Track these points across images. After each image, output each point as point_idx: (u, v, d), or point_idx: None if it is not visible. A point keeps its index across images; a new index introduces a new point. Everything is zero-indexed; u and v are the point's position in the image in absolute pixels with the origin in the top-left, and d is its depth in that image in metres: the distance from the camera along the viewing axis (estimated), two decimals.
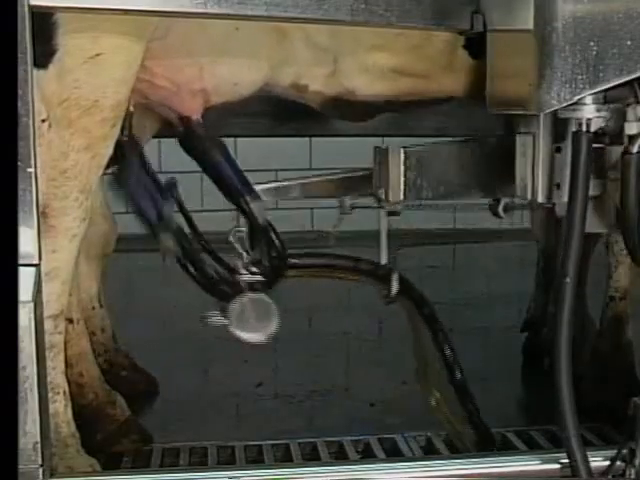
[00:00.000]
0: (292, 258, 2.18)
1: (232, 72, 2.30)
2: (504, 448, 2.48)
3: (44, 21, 1.81)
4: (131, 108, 2.15)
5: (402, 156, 1.84)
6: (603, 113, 1.75)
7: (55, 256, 2.02)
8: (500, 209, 2.03)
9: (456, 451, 2.49)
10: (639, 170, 1.81)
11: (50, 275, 1.97)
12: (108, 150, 2.08)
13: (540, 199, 1.82)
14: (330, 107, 2.53)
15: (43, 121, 1.93)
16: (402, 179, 1.86)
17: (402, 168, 1.85)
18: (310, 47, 2.27)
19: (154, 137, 2.83)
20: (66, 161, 2.02)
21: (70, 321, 2.45)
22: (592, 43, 1.68)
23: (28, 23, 1.63)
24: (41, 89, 1.90)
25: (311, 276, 2.23)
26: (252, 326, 2.06)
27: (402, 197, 1.87)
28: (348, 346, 3.57)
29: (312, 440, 2.51)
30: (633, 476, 1.88)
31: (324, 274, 2.23)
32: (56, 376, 2.11)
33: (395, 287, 2.11)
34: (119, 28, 1.97)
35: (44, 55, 1.84)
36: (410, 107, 2.45)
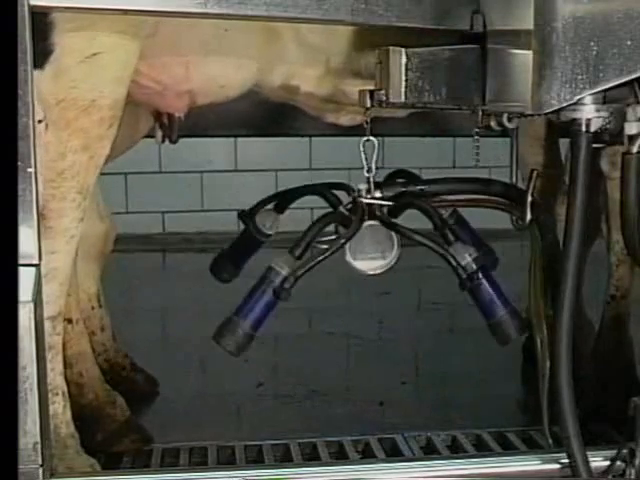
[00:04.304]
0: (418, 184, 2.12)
1: (219, 73, 2.29)
2: (504, 448, 2.48)
3: (40, 21, 1.81)
4: None
5: (404, 56, 1.81)
6: (603, 113, 1.75)
7: (53, 257, 2.02)
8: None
9: (456, 451, 2.50)
10: (639, 170, 1.81)
11: (48, 276, 1.97)
12: (105, 150, 2.07)
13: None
14: (322, 109, 2.52)
15: (40, 122, 1.93)
16: (403, 78, 1.82)
17: (403, 68, 1.82)
18: (302, 47, 2.26)
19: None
20: (63, 162, 2.01)
21: (69, 321, 2.45)
22: (592, 43, 1.68)
23: (28, 23, 1.63)
24: (37, 89, 1.90)
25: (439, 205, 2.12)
26: (370, 255, 2.02)
27: (403, 98, 1.84)
28: (348, 346, 3.57)
29: (312, 440, 2.51)
30: (633, 476, 1.88)
31: (454, 202, 2.16)
32: (55, 377, 2.11)
33: (529, 213, 1.95)
34: (115, 27, 1.96)
35: (40, 55, 1.84)
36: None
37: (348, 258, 2.00)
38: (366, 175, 2.06)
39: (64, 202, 2.03)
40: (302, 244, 1.99)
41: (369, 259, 2.03)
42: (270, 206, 2.44)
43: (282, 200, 2.44)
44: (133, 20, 1.96)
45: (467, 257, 2.02)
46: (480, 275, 2.01)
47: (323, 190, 2.25)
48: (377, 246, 2.02)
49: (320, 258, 1.96)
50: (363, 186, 2.06)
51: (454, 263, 2.01)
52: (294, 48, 2.26)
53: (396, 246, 2.02)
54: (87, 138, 2.02)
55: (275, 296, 1.96)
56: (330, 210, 2.16)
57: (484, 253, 2.17)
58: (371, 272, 2.04)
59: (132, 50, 2.04)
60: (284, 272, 1.96)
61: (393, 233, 2.03)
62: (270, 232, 2.41)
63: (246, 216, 2.45)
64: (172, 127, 2.55)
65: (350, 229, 1.99)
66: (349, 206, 2.09)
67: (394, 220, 2.07)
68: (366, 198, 2.05)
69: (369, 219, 2.03)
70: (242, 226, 2.53)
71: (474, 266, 2.01)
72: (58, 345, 2.14)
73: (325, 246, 2.01)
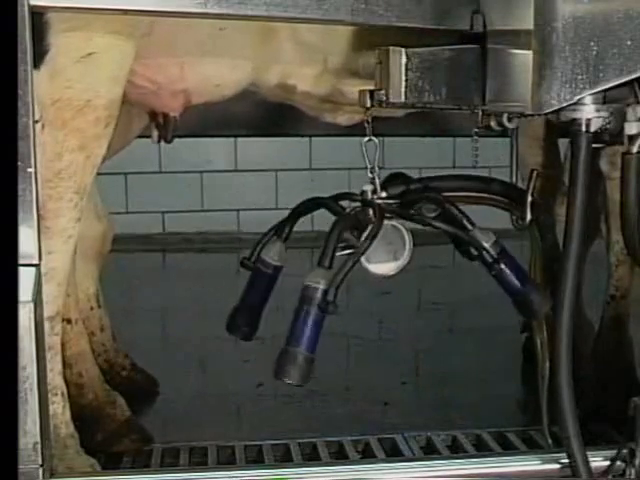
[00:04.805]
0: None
1: (214, 73, 2.29)
2: (504, 448, 2.48)
3: (35, 21, 1.80)
4: None
5: (404, 56, 1.81)
6: (603, 113, 1.75)
7: (51, 257, 2.02)
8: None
9: (456, 451, 2.50)
10: (639, 170, 1.81)
11: (46, 277, 1.96)
12: (102, 150, 2.07)
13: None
14: (319, 109, 2.52)
15: (36, 122, 1.92)
16: (403, 78, 1.83)
17: (403, 68, 1.82)
18: (298, 46, 2.26)
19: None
20: (60, 162, 2.01)
21: (68, 321, 2.45)
22: (592, 43, 1.68)
23: (28, 23, 1.63)
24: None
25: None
26: (383, 258, 2.00)
27: (403, 98, 1.84)
28: (348, 346, 3.57)
29: (312, 440, 2.51)
30: (633, 476, 1.88)
31: (456, 199, 2.16)
32: (54, 377, 2.11)
33: (529, 213, 1.97)
34: (111, 27, 1.96)
35: (35, 55, 1.84)
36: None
37: (363, 262, 1.98)
38: (370, 175, 2.05)
39: (61, 202, 2.03)
40: (328, 253, 1.94)
41: (383, 261, 2.01)
42: (273, 238, 2.23)
43: (282, 228, 2.23)
44: (128, 20, 1.96)
45: (488, 241, 2.03)
46: (503, 257, 2.03)
47: (324, 202, 2.18)
48: (389, 247, 2.01)
49: (352, 262, 1.91)
50: (368, 187, 2.05)
51: (479, 248, 2.01)
52: (290, 47, 2.26)
53: (408, 245, 2.01)
54: (83, 138, 2.02)
55: (321, 312, 1.90)
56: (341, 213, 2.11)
57: None
58: (390, 273, 2.03)
59: (127, 50, 2.03)
60: (322, 286, 1.89)
61: (404, 232, 2.01)
62: (281, 264, 2.23)
63: (249, 259, 2.23)
64: (167, 127, 2.55)
65: (372, 229, 1.96)
66: (356, 210, 2.07)
67: (411, 211, 2.06)
68: (376, 198, 2.04)
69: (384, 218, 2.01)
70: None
71: (496, 249, 2.02)
72: (57, 345, 2.13)
73: (341, 253, 1.98)
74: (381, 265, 2.01)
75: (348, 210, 2.08)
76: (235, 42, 2.22)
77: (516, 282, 2.04)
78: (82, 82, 1.99)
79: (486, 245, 2.03)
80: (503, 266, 2.03)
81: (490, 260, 2.03)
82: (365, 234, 1.95)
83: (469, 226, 2.04)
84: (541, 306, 2.04)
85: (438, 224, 2.01)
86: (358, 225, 2.01)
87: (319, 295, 1.89)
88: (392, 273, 2.03)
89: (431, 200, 2.07)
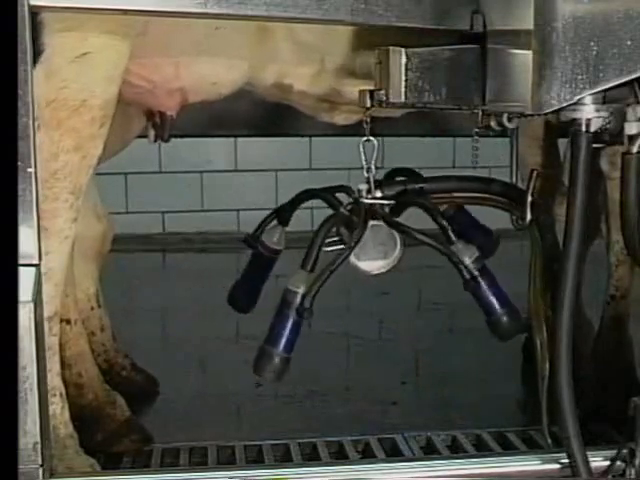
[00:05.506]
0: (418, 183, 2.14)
1: (211, 71, 2.29)
2: (504, 448, 2.48)
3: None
4: None
5: (404, 56, 1.81)
6: (603, 113, 1.75)
7: (48, 258, 2.01)
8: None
9: (456, 451, 2.50)
10: (639, 170, 1.81)
11: (44, 277, 1.95)
12: (98, 150, 2.07)
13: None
14: (316, 108, 2.52)
15: None
16: (403, 78, 1.83)
17: (403, 68, 1.82)
18: (295, 46, 2.25)
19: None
20: (56, 162, 2.00)
21: (68, 322, 2.45)
22: (592, 43, 1.68)
23: (28, 23, 1.63)
24: None
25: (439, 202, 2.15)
26: (373, 256, 2.03)
27: (403, 98, 1.84)
28: (348, 346, 3.57)
29: (312, 440, 2.51)
30: (633, 476, 1.88)
31: (453, 199, 2.17)
32: (52, 378, 2.10)
33: (529, 213, 1.96)
34: (106, 26, 1.95)
35: None
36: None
37: (352, 260, 2.01)
38: (366, 175, 2.06)
39: (57, 202, 2.03)
40: (312, 254, 2.00)
41: (373, 259, 2.03)
42: (274, 222, 2.44)
43: (283, 213, 2.43)
44: (123, 20, 1.95)
45: (469, 257, 2.03)
46: (482, 275, 2.03)
47: (322, 194, 2.26)
48: (380, 246, 2.03)
49: (332, 268, 1.97)
50: (364, 186, 2.06)
51: (458, 263, 2.02)
52: (287, 47, 2.26)
53: (399, 245, 2.03)
54: (79, 138, 2.02)
55: (299, 316, 1.98)
56: (331, 213, 2.15)
57: (484, 234, 2.30)
58: (375, 272, 2.05)
59: (123, 49, 2.03)
60: (301, 291, 1.98)
61: (395, 232, 2.03)
62: (280, 247, 2.41)
63: (251, 239, 2.43)
64: (164, 126, 2.55)
65: (356, 232, 2.00)
66: (349, 207, 2.10)
67: (397, 219, 2.07)
68: (367, 198, 2.06)
69: (372, 219, 2.03)
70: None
71: (476, 266, 2.03)
72: (55, 346, 2.13)
73: (333, 248, 2.01)
74: (370, 263, 2.04)
75: (344, 206, 2.11)
76: (231, 41, 2.22)
77: (492, 302, 2.05)
78: (77, 82, 1.98)
79: (466, 261, 2.04)
80: (480, 284, 2.04)
81: (468, 277, 2.04)
82: (352, 237, 1.98)
83: (453, 237, 2.05)
84: (510, 332, 2.07)
85: (420, 237, 2.02)
86: (350, 223, 2.03)
87: (298, 300, 1.98)
88: (376, 272, 2.05)
89: (422, 207, 2.09)
